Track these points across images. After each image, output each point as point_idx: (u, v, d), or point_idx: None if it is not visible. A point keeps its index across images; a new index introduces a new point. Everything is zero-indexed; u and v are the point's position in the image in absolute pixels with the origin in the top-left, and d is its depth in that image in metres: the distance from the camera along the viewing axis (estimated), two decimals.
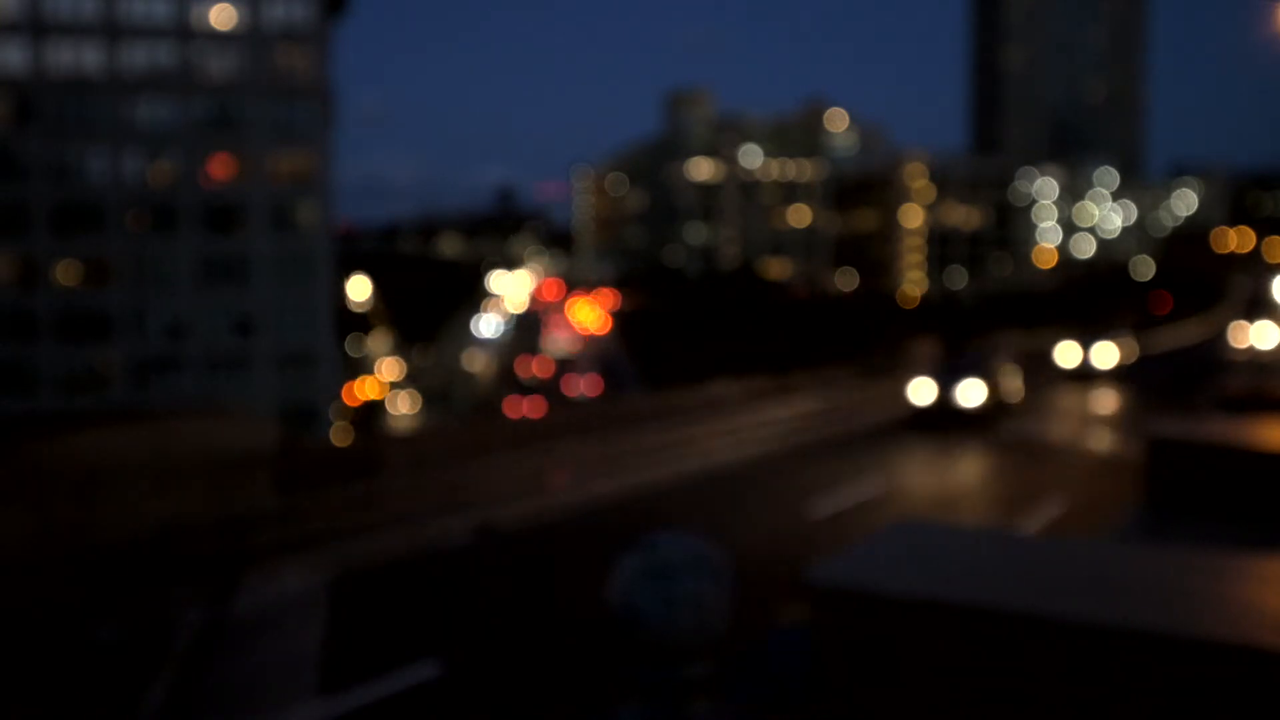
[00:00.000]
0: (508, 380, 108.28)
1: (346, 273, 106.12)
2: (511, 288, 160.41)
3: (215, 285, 65.63)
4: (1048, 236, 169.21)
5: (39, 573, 11.06)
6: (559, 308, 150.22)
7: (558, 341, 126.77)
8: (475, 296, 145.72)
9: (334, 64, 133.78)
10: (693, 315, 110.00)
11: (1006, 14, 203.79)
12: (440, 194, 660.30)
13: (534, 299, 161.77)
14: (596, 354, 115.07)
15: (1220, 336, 52.90)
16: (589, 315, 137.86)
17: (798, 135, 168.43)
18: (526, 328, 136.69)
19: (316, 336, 66.58)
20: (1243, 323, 49.32)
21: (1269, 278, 65.53)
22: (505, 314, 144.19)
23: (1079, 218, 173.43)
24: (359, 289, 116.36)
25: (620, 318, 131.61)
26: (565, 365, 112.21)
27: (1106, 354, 38.41)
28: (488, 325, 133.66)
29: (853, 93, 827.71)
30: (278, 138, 66.54)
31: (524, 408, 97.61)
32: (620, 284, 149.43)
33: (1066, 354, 37.82)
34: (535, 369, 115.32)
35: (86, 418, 14.50)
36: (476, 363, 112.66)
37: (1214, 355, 44.08)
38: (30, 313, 62.97)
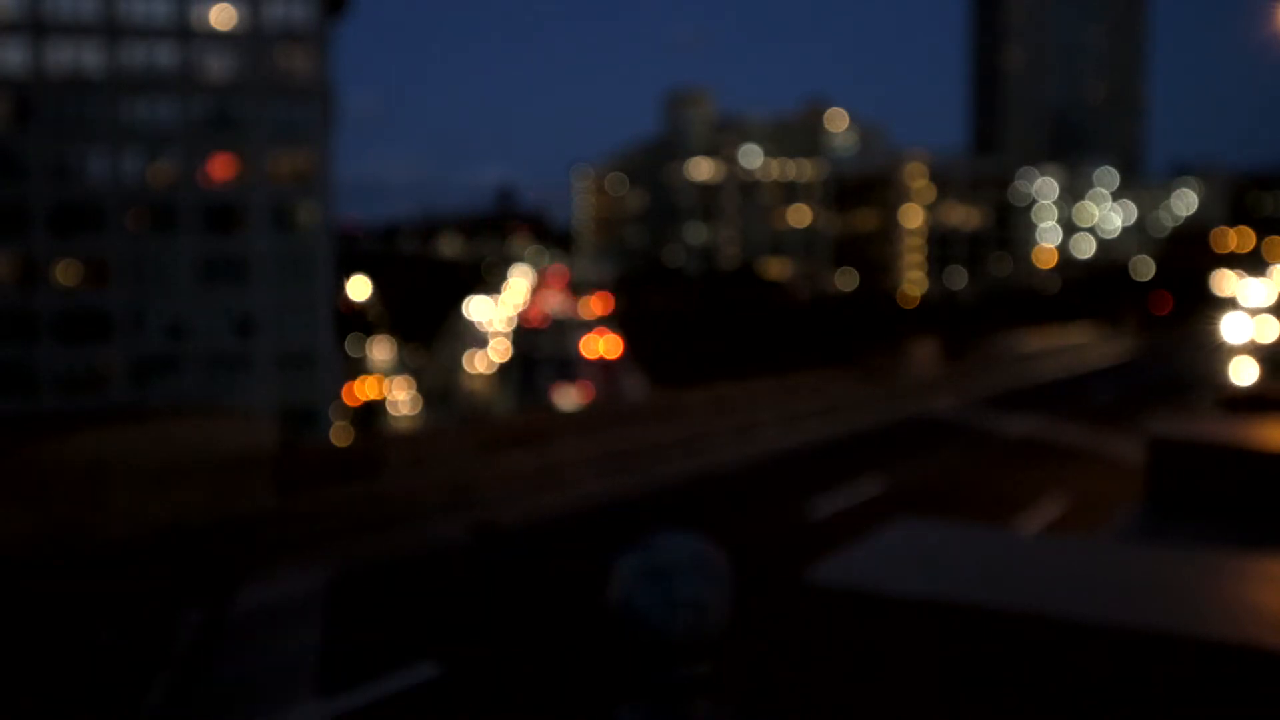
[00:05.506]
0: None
1: (346, 273, 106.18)
2: (499, 306, 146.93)
3: (215, 285, 65.57)
4: (1048, 236, 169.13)
5: (40, 572, 11.05)
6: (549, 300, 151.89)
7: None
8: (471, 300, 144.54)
9: (334, 64, 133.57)
10: (691, 315, 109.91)
11: (1006, 14, 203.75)
12: (439, 194, 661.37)
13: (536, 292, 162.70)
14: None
15: None
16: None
17: (798, 135, 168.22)
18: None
19: (316, 336, 66.52)
20: None
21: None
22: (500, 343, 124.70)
23: (1079, 218, 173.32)
24: (359, 289, 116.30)
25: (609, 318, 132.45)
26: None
27: None
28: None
29: (853, 93, 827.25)
30: (278, 138, 66.49)
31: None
32: (615, 284, 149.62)
33: None
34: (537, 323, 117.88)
35: (86, 418, 14.48)
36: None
37: None
38: (30, 313, 62.91)
